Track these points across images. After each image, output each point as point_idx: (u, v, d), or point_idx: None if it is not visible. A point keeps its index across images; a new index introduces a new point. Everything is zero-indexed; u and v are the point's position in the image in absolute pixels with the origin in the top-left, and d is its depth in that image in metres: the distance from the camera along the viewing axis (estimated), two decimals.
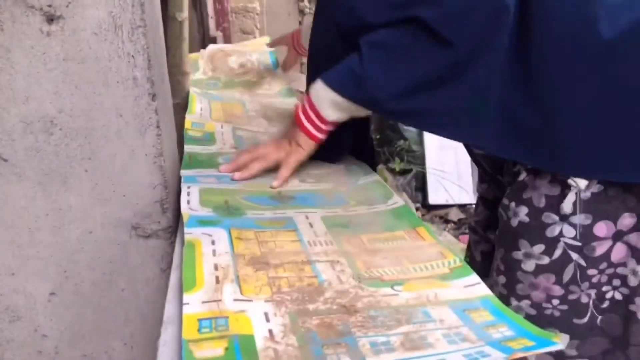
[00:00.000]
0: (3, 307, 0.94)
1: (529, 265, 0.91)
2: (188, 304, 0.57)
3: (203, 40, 2.53)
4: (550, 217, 0.88)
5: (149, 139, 0.89)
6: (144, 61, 0.85)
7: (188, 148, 1.04)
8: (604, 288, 0.90)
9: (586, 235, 0.87)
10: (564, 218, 0.87)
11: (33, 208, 0.89)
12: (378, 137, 3.50)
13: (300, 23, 3.63)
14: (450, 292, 0.61)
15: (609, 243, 0.87)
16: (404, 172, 3.31)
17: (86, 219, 0.91)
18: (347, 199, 0.86)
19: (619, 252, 0.88)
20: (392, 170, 3.29)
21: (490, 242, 1.08)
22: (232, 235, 0.72)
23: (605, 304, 0.91)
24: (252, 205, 0.82)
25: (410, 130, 3.35)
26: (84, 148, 0.87)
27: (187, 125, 1.14)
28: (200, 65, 1.59)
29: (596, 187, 0.85)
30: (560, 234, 0.87)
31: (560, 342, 0.55)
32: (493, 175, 1.04)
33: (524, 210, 0.90)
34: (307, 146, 0.94)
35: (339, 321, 0.54)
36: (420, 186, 3.40)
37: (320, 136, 0.94)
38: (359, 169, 1.00)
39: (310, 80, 0.94)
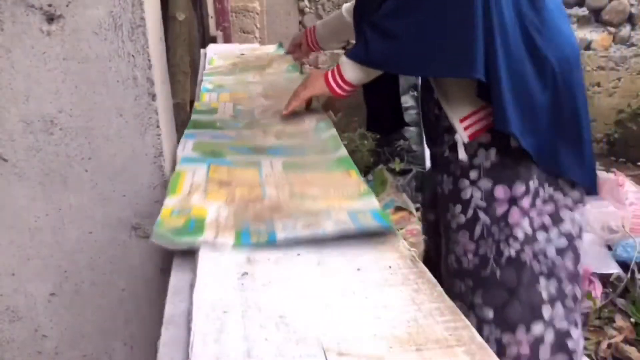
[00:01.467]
0: (3, 307, 0.94)
1: (453, 224, 1.13)
2: (168, 203, 0.81)
3: (203, 39, 2.53)
4: (463, 182, 1.11)
5: (149, 139, 0.88)
6: (144, 61, 0.85)
7: (194, 117, 1.27)
8: (501, 245, 1.08)
9: (488, 197, 1.08)
10: (473, 182, 1.10)
11: (33, 208, 0.89)
12: (378, 137, 3.50)
13: (300, 23, 3.64)
14: (352, 205, 0.83)
15: (506, 206, 1.08)
16: (404, 172, 3.31)
17: (86, 219, 0.91)
18: (307, 150, 1.09)
19: (514, 215, 1.07)
20: (392, 170, 3.28)
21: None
22: (210, 169, 0.95)
23: (503, 260, 1.08)
24: (232, 152, 1.05)
25: (410, 130, 3.35)
26: (84, 148, 0.87)
27: (196, 105, 1.38)
28: (216, 61, 1.84)
29: (495, 158, 1.08)
30: (471, 196, 1.10)
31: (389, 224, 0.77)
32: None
33: (450, 180, 1.14)
34: (319, 88, 1.18)
35: (267, 214, 0.79)
36: (420, 186, 3.40)
37: (336, 88, 1.15)
38: (324, 125, 1.22)
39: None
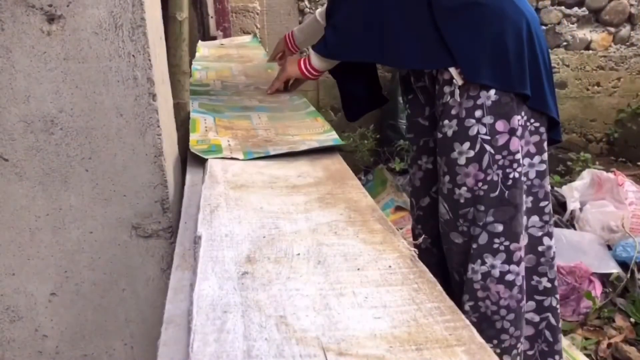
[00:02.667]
0: (4, 307, 0.94)
1: (462, 160, 1.33)
2: (193, 136, 1.17)
3: (203, 39, 2.53)
4: (469, 121, 1.31)
5: (149, 138, 0.89)
6: (145, 61, 0.85)
7: (191, 88, 1.58)
8: (507, 170, 1.32)
9: (492, 131, 1.30)
10: (478, 120, 1.31)
11: (33, 208, 0.89)
12: (378, 137, 3.50)
13: (300, 23, 3.63)
14: (319, 137, 1.20)
15: (506, 136, 1.31)
16: (404, 172, 3.30)
17: (86, 219, 0.91)
18: (284, 109, 1.47)
19: (514, 143, 1.31)
20: (392, 170, 3.28)
21: (422, 170, 1.59)
22: (215, 119, 1.32)
23: (509, 182, 1.32)
24: (228, 110, 1.43)
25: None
26: (84, 148, 0.87)
27: (191, 81, 1.68)
28: (203, 50, 2.24)
29: (494, 97, 1.29)
30: (478, 132, 1.31)
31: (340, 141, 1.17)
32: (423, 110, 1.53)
33: (454, 122, 1.33)
34: (293, 72, 1.55)
35: (262, 144, 1.15)
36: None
37: (307, 73, 1.53)
38: (297, 97, 1.59)
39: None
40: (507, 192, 1.32)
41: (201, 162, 1.06)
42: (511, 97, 1.30)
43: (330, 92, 3.66)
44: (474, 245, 1.35)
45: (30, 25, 0.81)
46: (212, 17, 2.75)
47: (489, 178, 1.32)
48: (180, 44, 1.37)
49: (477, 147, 1.31)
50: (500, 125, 1.30)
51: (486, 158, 1.31)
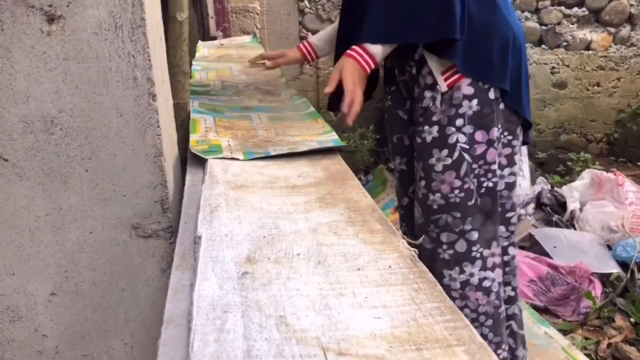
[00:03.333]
0: (4, 307, 0.94)
1: (439, 167, 1.35)
2: (193, 137, 1.16)
3: (203, 40, 2.53)
4: (450, 129, 1.33)
5: (149, 138, 0.89)
6: (145, 61, 0.85)
7: (192, 88, 1.61)
8: (482, 179, 1.36)
9: (471, 140, 1.33)
10: (458, 129, 1.33)
11: (33, 208, 0.89)
12: (378, 136, 3.50)
13: (300, 23, 3.64)
14: (320, 137, 1.20)
15: (484, 147, 1.34)
16: None
17: (86, 219, 0.91)
18: (285, 109, 1.46)
19: (491, 154, 1.35)
20: (392, 170, 3.27)
21: (397, 170, 1.61)
22: (215, 119, 1.31)
23: (482, 190, 1.36)
24: (228, 110, 1.42)
25: None
26: (84, 148, 0.87)
27: (191, 81, 1.69)
28: (203, 50, 2.24)
29: (476, 107, 1.32)
30: (457, 141, 1.33)
31: (340, 142, 1.16)
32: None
33: (435, 128, 1.35)
34: (361, 78, 1.33)
35: (262, 144, 1.15)
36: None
37: (367, 68, 1.32)
38: (297, 96, 1.59)
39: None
40: (479, 199, 1.36)
41: (201, 162, 1.06)
42: (492, 109, 1.32)
43: None
44: (450, 252, 1.37)
45: (30, 26, 0.81)
46: (212, 17, 2.75)
47: (465, 186, 1.35)
48: (180, 44, 1.37)
49: (456, 155, 1.33)
50: (479, 136, 1.33)
51: (464, 167, 1.33)
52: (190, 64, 1.78)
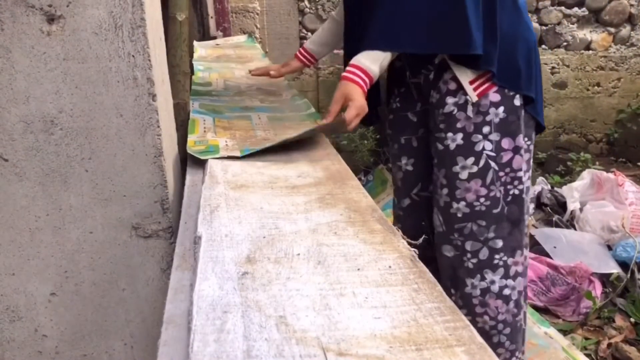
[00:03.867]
0: (4, 307, 0.94)
1: (464, 175, 1.33)
2: (191, 137, 1.16)
3: (203, 40, 2.53)
4: (476, 137, 1.31)
5: (149, 138, 0.89)
6: (145, 61, 0.85)
7: (194, 87, 1.64)
8: (508, 187, 1.34)
9: (497, 148, 1.32)
10: (485, 136, 1.31)
11: (33, 208, 0.89)
12: (378, 137, 3.50)
13: (300, 23, 3.64)
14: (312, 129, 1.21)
15: (510, 154, 1.33)
16: None
17: (86, 219, 0.91)
18: (285, 110, 1.47)
19: (517, 161, 1.33)
20: (391, 170, 3.28)
21: (402, 170, 1.58)
22: (214, 120, 1.32)
23: (509, 198, 1.35)
24: (228, 110, 1.43)
25: None
26: (84, 148, 0.87)
27: (194, 79, 1.75)
28: (200, 50, 2.25)
29: (503, 114, 1.30)
30: (483, 148, 1.32)
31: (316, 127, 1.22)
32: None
33: (460, 136, 1.33)
34: (361, 102, 1.28)
35: (259, 143, 1.14)
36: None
37: (365, 87, 1.29)
38: (298, 97, 1.61)
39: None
40: (506, 208, 1.35)
41: (201, 162, 1.06)
42: (517, 116, 1.32)
43: (331, 93, 3.66)
44: (474, 260, 1.36)
45: (30, 26, 0.81)
46: (212, 17, 2.76)
47: (491, 194, 1.33)
48: (180, 44, 1.37)
49: (482, 162, 1.32)
50: (505, 143, 1.32)
51: (490, 174, 1.32)
52: (191, 64, 1.79)
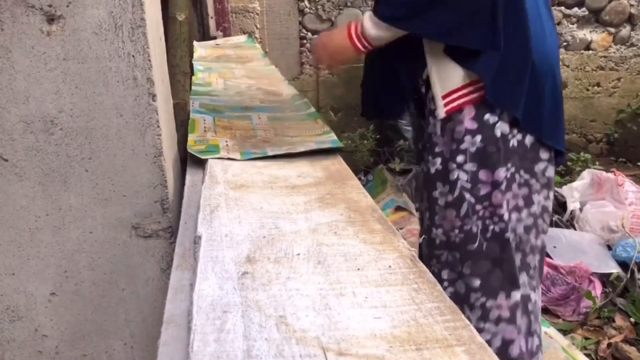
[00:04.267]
0: (3, 307, 0.94)
1: (441, 201, 1.25)
2: (191, 137, 1.16)
3: (203, 40, 2.53)
4: (451, 165, 1.22)
5: (149, 138, 0.89)
6: (145, 61, 0.85)
7: (194, 87, 1.64)
8: (487, 222, 1.22)
9: (474, 179, 1.21)
10: (459, 166, 1.21)
11: (33, 208, 0.89)
12: (378, 137, 3.50)
13: (300, 23, 3.64)
14: (318, 138, 1.20)
15: (489, 188, 1.21)
16: (404, 172, 3.30)
17: (86, 219, 0.91)
18: (285, 109, 1.46)
19: (497, 196, 1.21)
20: (392, 170, 3.28)
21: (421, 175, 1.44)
22: (215, 119, 1.32)
23: (489, 234, 1.22)
24: (229, 110, 1.43)
25: (410, 130, 3.35)
26: (84, 148, 0.87)
27: (194, 79, 1.74)
28: (200, 50, 2.25)
29: (480, 144, 1.19)
30: (458, 178, 1.22)
31: (338, 142, 1.14)
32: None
33: (438, 160, 1.25)
34: (341, 38, 1.27)
35: (260, 144, 1.15)
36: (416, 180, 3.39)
37: (355, 38, 1.24)
38: (298, 97, 1.60)
39: None
40: (485, 244, 1.23)
41: (201, 162, 1.06)
42: (497, 147, 1.19)
43: (330, 93, 3.67)
44: (451, 289, 1.27)
45: (30, 26, 0.81)
46: (212, 17, 2.76)
47: (466, 227, 1.23)
48: (180, 44, 1.37)
49: (456, 193, 1.23)
50: (483, 175, 1.21)
51: (465, 206, 1.22)
52: (191, 64, 1.79)
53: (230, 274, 0.66)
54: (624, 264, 2.36)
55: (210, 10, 2.76)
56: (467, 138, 1.20)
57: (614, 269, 2.34)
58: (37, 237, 0.91)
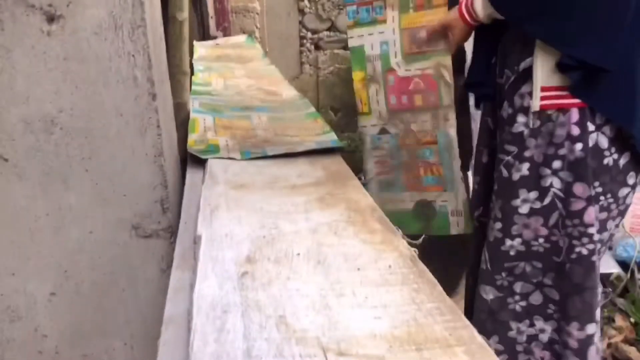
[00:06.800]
0: (4, 307, 0.94)
1: (524, 209, 1.15)
2: (191, 136, 1.16)
3: (203, 40, 2.53)
4: (544, 170, 1.12)
5: (149, 138, 0.89)
6: (145, 61, 0.85)
7: (193, 87, 1.63)
8: (574, 242, 1.11)
9: (567, 191, 1.11)
10: (555, 172, 1.12)
11: (33, 208, 0.89)
12: None
13: (300, 23, 3.64)
14: (318, 138, 1.20)
15: (583, 203, 1.10)
16: None
17: (86, 219, 0.91)
18: (285, 109, 1.47)
19: (590, 214, 1.10)
20: None
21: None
22: (215, 119, 1.31)
23: (574, 256, 1.12)
24: (229, 110, 1.43)
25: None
26: (84, 148, 0.87)
27: (194, 79, 1.73)
28: (200, 50, 2.24)
29: (580, 154, 1.08)
30: (551, 185, 1.12)
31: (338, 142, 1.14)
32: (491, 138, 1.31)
33: (526, 166, 1.14)
34: (452, 14, 1.29)
35: (260, 144, 1.15)
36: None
37: (464, 10, 1.25)
38: (299, 97, 1.61)
39: None
40: (567, 265, 1.13)
41: (201, 162, 1.06)
42: (596, 161, 1.10)
43: (330, 92, 3.67)
44: (522, 303, 1.19)
45: (30, 25, 0.81)
46: (212, 17, 2.76)
47: (553, 238, 1.14)
48: (180, 44, 1.37)
49: (547, 200, 1.13)
50: (578, 189, 1.10)
51: (555, 216, 1.13)
52: (191, 64, 1.79)
53: (230, 274, 0.66)
54: (624, 264, 2.36)
55: (210, 10, 2.76)
56: (567, 144, 1.10)
57: (614, 269, 2.34)
58: (37, 237, 0.91)
